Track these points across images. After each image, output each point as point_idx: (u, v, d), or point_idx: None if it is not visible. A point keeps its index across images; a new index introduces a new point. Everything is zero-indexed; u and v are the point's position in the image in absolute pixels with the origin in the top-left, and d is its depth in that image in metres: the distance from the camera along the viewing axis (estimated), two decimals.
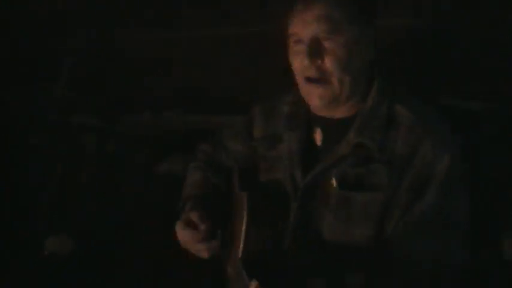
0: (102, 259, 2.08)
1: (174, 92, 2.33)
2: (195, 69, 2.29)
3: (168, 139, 2.28)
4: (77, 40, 2.36)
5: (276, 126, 1.49)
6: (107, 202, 2.23)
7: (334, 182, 1.32)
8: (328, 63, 1.29)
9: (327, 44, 1.29)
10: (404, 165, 1.28)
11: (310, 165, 1.37)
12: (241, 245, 1.30)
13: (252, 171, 1.50)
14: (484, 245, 1.50)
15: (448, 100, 1.83)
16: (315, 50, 1.29)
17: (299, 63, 1.33)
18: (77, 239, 2.12)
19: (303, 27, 1.30)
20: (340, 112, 1.37)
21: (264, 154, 1.50)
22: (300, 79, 1.36)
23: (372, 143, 1.30)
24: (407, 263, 1.25)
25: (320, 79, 1.31)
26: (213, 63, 2.27)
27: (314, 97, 1.34)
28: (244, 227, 1.31)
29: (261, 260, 1.31)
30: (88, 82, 2.39)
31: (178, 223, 1.41)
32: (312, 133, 1.42)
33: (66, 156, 2.29)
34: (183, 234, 1.39)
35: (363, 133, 1.31)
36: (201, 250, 1.38)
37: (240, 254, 1.30)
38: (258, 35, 2.11)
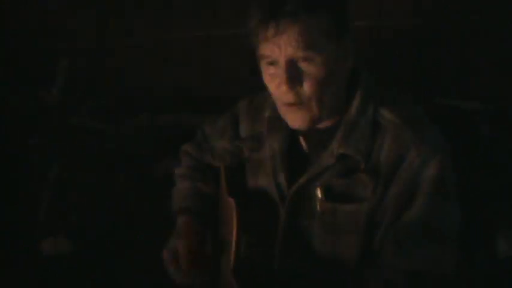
0: (100, 260, 2.08)
1: (172, 93, 2.33)
2: (193, 70, 2.30)
3: (166, 140, 2.28)
4: (76, 41, 2.37)
5: (260, 127, 1.44)
6: (105, 203, 2.23)
7: (319, 193, 1.30)
8: (307, 87, 1.22)
9: (305, 67, 1.22)
10: (390, 173, 1.25)
11: (294, 170, 1.34)
12: (232, 255, 1.28)
13: (239, 171, 1.46)
14: (479, 244, 1.49)
15: (447, 100, 1.83)
16: (293, 75, 1.21)
17: (276, 88, 1.26)
18: (75, 240, 2.12)
19: (278, 51, 1.21)
20: (322, 123, 1.32)
21: (249, 155, 1.46)
22: (278, 102, 1.30)
23: (357, 153, 1.26)
24: (397, 272, 1.22)
25: (298, 103, 1.25)
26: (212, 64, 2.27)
27: (293, 120, 1.29)
28: (234, 237, 1.29)
29: (252, 270, 1.30)
30: (87, 83, 2.40)
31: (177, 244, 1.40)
32: (295, 138, 1.37)
33: (65, 157, 2.29)
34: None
35: (347, 143, 1.27)
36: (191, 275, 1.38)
37: (231, 264, 1.28)
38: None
